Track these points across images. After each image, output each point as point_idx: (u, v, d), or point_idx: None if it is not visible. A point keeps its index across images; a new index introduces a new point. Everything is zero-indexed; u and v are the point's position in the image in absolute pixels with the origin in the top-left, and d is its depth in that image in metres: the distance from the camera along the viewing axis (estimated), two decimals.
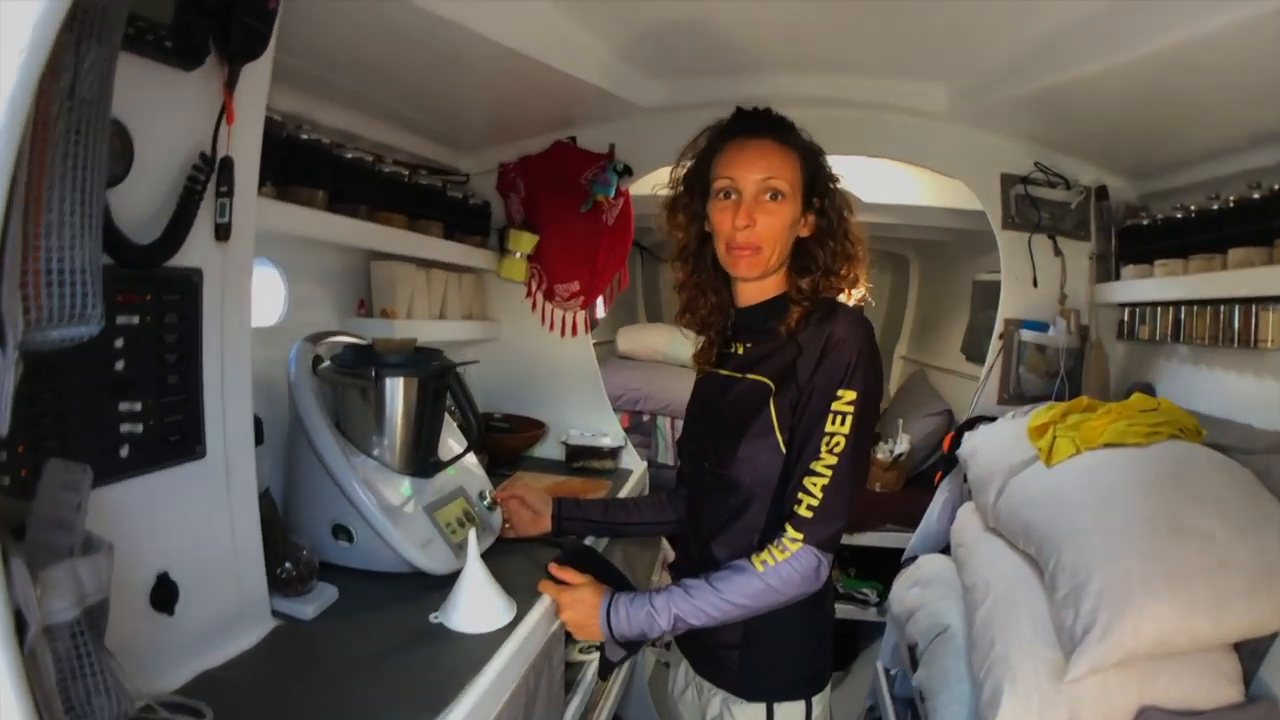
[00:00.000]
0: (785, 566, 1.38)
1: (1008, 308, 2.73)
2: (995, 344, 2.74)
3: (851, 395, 1.39)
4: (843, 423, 1.38)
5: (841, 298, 1.54)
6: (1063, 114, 2.34)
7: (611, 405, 2.99)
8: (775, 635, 1.51)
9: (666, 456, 4.08)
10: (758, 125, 1.50)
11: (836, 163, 1.56)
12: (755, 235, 1.44)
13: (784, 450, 1.44)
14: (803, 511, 1.38)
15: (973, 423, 2.56)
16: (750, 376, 1.52)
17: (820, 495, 1.38)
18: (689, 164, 1.58)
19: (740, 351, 1.58)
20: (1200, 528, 1.51)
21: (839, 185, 1.54)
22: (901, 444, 3.60)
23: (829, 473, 1.38)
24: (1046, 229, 2.67)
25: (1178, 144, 2.28)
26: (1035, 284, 2.70)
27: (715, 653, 1.56)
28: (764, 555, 1.40)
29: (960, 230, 3.70)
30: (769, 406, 1.45)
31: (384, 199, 2.10)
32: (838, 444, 1.38)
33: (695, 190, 1.56)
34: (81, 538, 0.70)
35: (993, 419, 2.46)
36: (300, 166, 1.77)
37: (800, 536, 1.38)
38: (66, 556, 0.67)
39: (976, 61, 2.20)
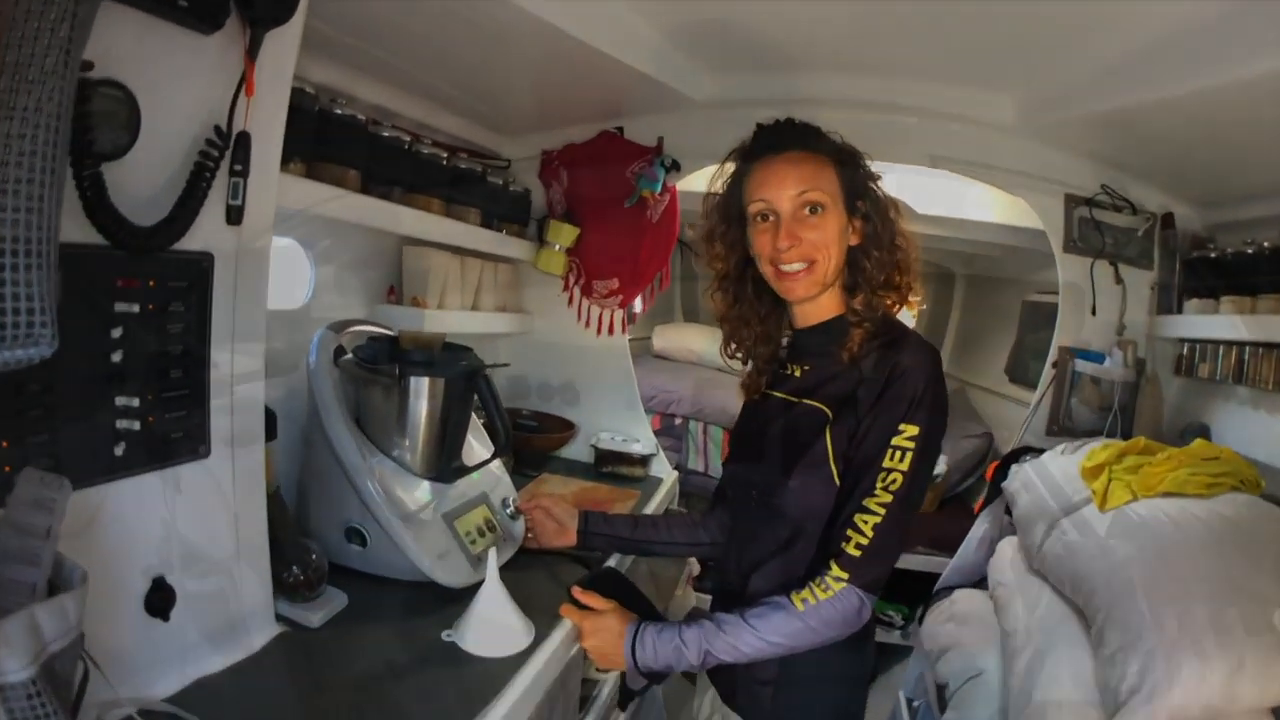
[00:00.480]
0: (827, 606, 1.30)
1: (1063, 335, 2.60)
2: (1048, 372, 2.62)
3: (913, 430, 1.29)
4: (901, 459, 1.29)
5: (904, 316, 1.44)
6: (1134, 135, 2.23)
7: (643, 406, 2.91)
8: (813, 674, 1.43)
9: (696, 462, 3.99)
10: (783, 138, 1.42)
11: (886, 169, 1.48)
12: (803, 251, 1.36)
13: (838, 483, 1.35)
14: (851, 550, 1.30)
15: (1018, 453, 2.44)
16: (807, 401, 1.43)
17: (871, 534, 1.29)
18: (719, 194, 1.51)
19: (797, 374, 1.49)
20: (1255, 589, 1.44)
21: (880, 186, 1.45)
22: (938, 464, 3.49)
23: (882, 511, 1.29)
24: (1109, 255, 2.54)
25: (1254, 175, 2.18)
26: (1094, 312, 2.56)
27: (748, 687, 1.48)
28: (805, 593, 1.31)
29: (1011, 245, 3.56)
30: (825, 435, 1.36)
31: (420, 181, 2.02)
32: (894, 481, 1.29)
33: (731, 218, 1.48)
34: (48, 572, 0.60)
35: (1040, 451, 2.35)
36: (332, 143, 1.69)
37: (845, 576, 1.30)
38: (28, 598, 0.58)
39: (1050, 74, 2.09)
